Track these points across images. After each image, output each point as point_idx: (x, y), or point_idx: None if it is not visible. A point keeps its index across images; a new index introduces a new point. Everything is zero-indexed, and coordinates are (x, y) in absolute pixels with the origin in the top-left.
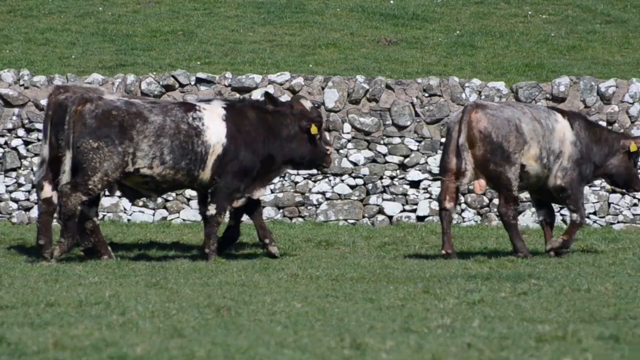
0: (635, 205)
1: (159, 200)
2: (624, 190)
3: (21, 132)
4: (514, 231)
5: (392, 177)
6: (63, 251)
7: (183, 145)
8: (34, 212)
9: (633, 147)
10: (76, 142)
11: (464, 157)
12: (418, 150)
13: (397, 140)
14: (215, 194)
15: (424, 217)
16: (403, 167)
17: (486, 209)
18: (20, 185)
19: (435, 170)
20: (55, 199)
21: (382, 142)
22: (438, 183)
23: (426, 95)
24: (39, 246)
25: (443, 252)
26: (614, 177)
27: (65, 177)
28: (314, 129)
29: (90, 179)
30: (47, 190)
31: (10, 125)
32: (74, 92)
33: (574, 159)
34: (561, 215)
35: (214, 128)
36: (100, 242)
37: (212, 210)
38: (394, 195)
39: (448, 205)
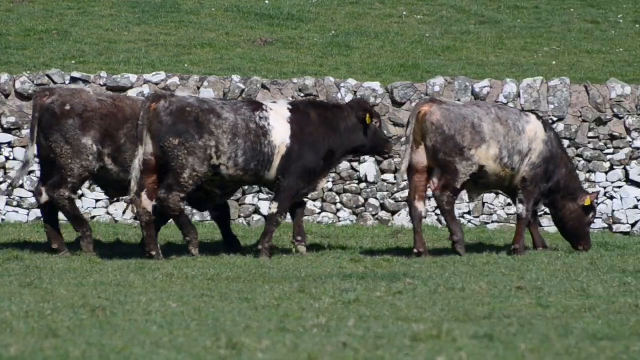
0: (509, 205)
1: (32, 200)
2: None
3: None
4: (449, 216)
5: None
6: (196, 245)
7: (254, 146)
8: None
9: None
10: (158, 141)
11: (416, 151)
12: None
13: None
14: (279, 194)
15: None
16: None
17: (362, 208)
18: None
19: None
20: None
21: None
22: None
23: (302, 95)
24: (53, 251)
25: (415, 251)
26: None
27: (134, 175)
28: (368, 118)
29: (180, 177)
30: (45, 195)
31: None
32: (59, 95)
33: (543, 156)
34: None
35: (279, 128)
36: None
37: (274, 209)
38: (269, 195)
39: (418, 204)
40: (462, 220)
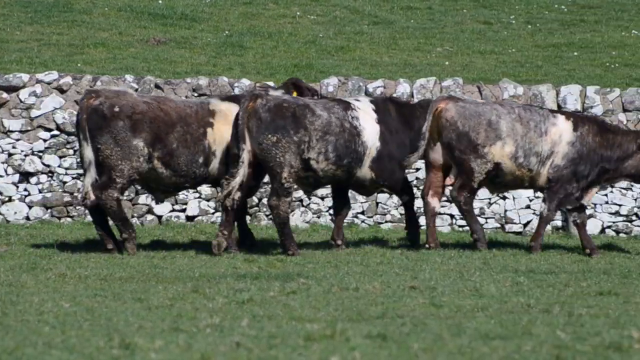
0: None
1: None
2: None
3: None
4: (468, 215)
5: None
6: (296, 252)
7: (346, 145)
8: None
9: None
10: (256, 139)
11: (433, 148)
12: None
13: None
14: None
15: (194, 217)
16: None
17: (255, 208)
18: None
19: None
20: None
21: None
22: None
23: (195, 95)
24: (107, 251)
25: (427, 246)
26: (635, 177)
27: (241, 171)
28: None
29: (281, 176)
30: (93, 196)
31: None
32: (105, 97)
33: (569, 158)
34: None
35: (369, 129)
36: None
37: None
38: None
39: (431, 200)
40: (356, 220)
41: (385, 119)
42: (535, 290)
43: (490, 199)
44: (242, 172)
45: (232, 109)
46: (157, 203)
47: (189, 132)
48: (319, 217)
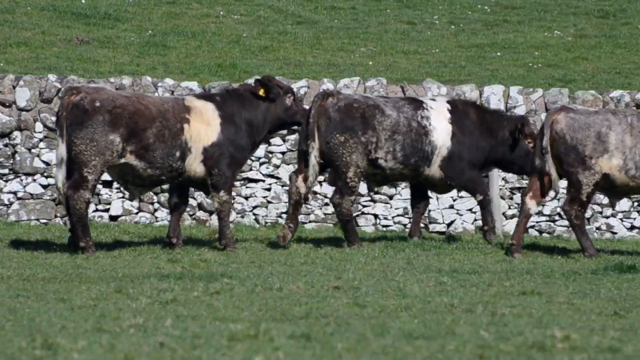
0: (326, 204)
1: None
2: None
3: None
4: (578, 230)
5: None
6: (358, 244)
7: (413, 144)
8: None
9: None
10: (324, 138)
11: (547, 159)
12: None
13: None
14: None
15: (117, 216)
16: None
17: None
18: None
19: None
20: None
21: None
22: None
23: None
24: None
25: (510, 242)
26: None
27: (312, 171)
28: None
29: (346, 176)
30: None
31: None
32: (86, 93)
33: None
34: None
35: (440, 129)
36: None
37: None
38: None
39: (529, 201)
40: (280, 220)
41: (461, 121)
42: (459, 290)
43: None
44: (311, 169)
45: (207, 107)
46: (131, 200)
47: (167, 127)
48: (242, 217)
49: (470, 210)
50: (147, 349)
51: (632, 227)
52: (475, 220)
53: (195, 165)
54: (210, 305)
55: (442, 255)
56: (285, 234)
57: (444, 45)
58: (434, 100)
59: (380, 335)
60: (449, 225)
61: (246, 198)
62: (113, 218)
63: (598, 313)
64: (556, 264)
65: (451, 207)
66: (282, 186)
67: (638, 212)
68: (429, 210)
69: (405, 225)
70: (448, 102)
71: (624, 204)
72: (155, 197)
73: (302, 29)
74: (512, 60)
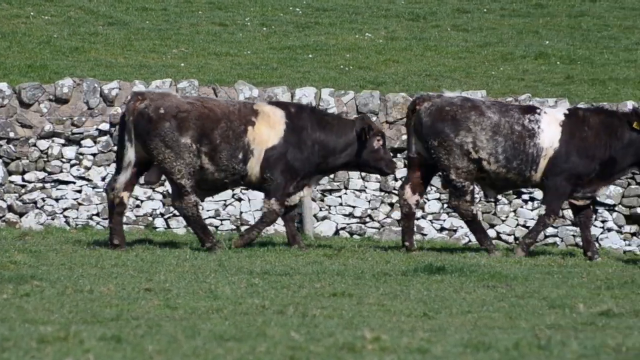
0: (137, 207)
1: None
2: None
3: None
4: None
5: None
6: (492, 249)
7: (515, 146)
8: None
9: None
10: (422, 140)
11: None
12: None
13: None
14: (545, 196)
15: None
16: None
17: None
18: None
19: None
20: (126, 200)
21: None
22: None
23: None
24: (113, 246)
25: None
26: None
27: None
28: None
29: (450, 175)
30: (116, 193)
31: None
32: (151, 99)
33: None
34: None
35: (549, 132)
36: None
37: (541, 210)
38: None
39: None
40: (91, 222)
41: (575, 128)
42: (270, 292)
43: (225, 200)
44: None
45: (275, 112)
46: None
47: (231, 128)
48: (53, 219)
49: None
50: None
51: (442, 229)
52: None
53: (257, 168)
54: (19, 307)
55: (253, 257)
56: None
57: (256, 47)
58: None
59: (191, 337)
60: None
61: (57, 200)
62: None
63: (408, 314)
64: (367, 266)
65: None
66: (93, 188)
67: (447, 213)
68: (241, 212)
69: (217, 227)
70: (567, 108)
71: (433, 205)
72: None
73: (113, 30)
74: (323, 63)
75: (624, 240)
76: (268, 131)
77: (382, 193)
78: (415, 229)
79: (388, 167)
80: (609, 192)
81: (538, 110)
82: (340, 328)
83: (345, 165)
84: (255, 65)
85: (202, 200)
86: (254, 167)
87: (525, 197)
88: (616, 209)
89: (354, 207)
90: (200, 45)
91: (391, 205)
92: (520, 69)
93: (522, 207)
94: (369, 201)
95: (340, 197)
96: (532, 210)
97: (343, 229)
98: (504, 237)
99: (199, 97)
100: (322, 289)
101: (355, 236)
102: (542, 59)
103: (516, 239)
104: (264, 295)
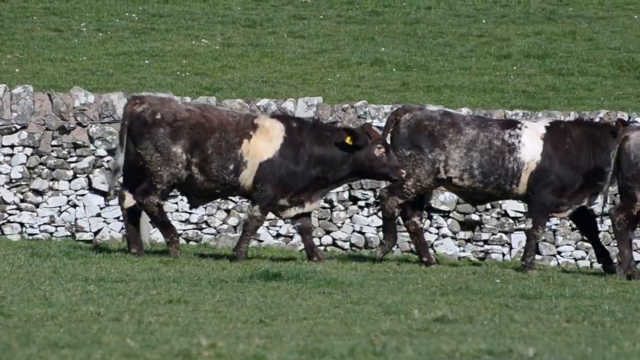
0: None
1: None
2: None
3: None
4: (619, 237)
5: None
6: (385, 251)
7: (493, 161)
8: None
9: None
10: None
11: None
12: None
13: None
14: (531, 209)
15: None
16: None
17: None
18: None
19: None
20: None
21: None
22: None
23: None
24: (133, 255)
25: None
26: None
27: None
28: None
29: (407, 182)
30: (129, 200)
31: None
32: (149, 104)
33: None
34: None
35: (530, 146)
36: (421, 245)
37: (528, 224)
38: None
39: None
40: None
41: (557, 140)
42: (106, 299)
43: (60, 207)
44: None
45: (274, 125)
46: (191, 208)
47: (225, 139)
48: None
49: (117, 218)
50: None
51: (278, 235)
52: (122, 228)
53: (250, 180)
54: None
55: (88, 263)
56: (384, 250)
57: (92, 52)
58: (534, 121)
59: (26, 344)
60: (96, 233)
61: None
62: None
63: (244, 321)
64: (203, 272)
65: (98, 215)
66: None
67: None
68: (76, 219)
69: (52, 233)
70: (548, 121)
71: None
72: None
73: None
74: (160, 69)
75: (459, 246)
76: (265, 144)
77: (219, 199)
78: (426, 243)
79: (394, 173)
80: (444, 199)
81: (519, 125)
82: (176, 335)
83: (350, 176)
84: (91, 71)
85: (197, 207)
86: (247, 178)
87: (362, 203)
88: (451, 215)
89: (190, 213)
90: (35, 51)
91: (227, 211)
92: (356, 75)
93: (358, 213)
94: (205, 207)
95: (176, 203)
96: (367, 216)
97: (179, 235)
98: (339, 243)
99: (201, 105)
100: (158, 295)
101: (191, 242)
102: (378, 66)
103: (352, 245)
104: (99, 302)
